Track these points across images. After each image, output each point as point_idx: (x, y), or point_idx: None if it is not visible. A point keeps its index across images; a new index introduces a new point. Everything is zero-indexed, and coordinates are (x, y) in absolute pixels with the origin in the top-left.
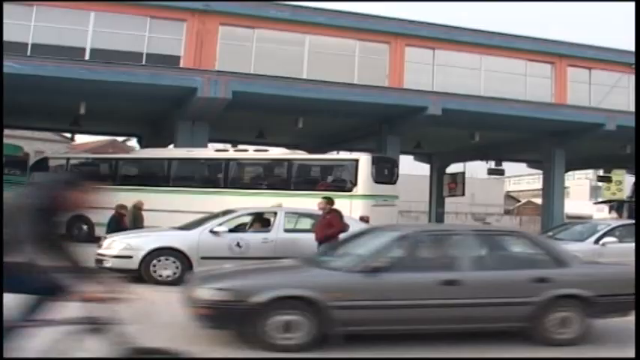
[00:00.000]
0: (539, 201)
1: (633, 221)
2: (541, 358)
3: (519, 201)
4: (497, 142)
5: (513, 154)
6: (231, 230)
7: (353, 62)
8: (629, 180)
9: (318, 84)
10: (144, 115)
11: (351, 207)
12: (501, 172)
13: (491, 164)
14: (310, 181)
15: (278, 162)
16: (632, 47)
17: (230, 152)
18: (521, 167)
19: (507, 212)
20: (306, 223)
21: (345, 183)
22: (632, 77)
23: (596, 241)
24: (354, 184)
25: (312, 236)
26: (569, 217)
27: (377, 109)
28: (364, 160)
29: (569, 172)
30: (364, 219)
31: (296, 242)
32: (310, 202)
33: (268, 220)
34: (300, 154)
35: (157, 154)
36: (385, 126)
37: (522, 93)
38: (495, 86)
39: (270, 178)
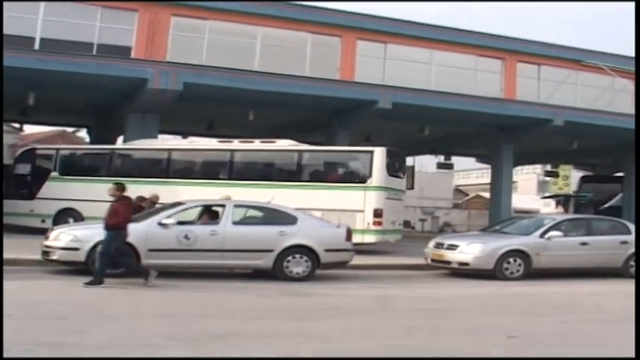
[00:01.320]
0: (487, 195)
1: (579, 216)
2: (541, 357)
3: (468, 195)
4: (447, 137)
5: (462, 148)
6: (179, 223)
7: (304, 55)
8: (576, 175)
9: (270, 76)
10: (94, 106)
11: (365, 198)
12: (450, 166)
13: (441, 158)
14: (323, 173)
15: (288, 153)
16: (579, 44)
17: (235, 143)
18: (470, 161)
19: (456, 206)
20: (256, 216)
21: (359, 174)
22: (580, 73)
23: (542, 235)
24: (369, 175)
25: (262, 229)
26: (517, 211)
27: (327, 102)
28: (379, 152)
29: (518, 167)
30: (378, 212)
31: (244, 234)
32: (323, 194)
33: (217, 213)
34: (312, 146)
35: (153, 146)
36: (335, 119)
37: (472, 88)
38: (446, 81)
39: (278, 170)
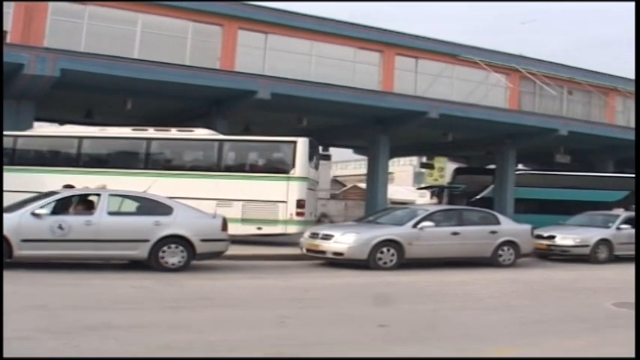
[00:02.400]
0: (364, 185)
1: (451, 206)
2: (540, 358)
3: (345, 185)
4: (325, 128)
5: (340, 139)
6: (53, 212)
7: (185, 44)
8: (451, 167)
9: (149, 64)
10: None
11: (288, 189)
12: (328, 158)
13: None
14: (245, 163)
15: (207, 142)
16: (458, 39)
17: (150, 131)
18: (348, 153)
19: (333, 196)
20: (132, 206)
21: (281, 165)
22: (456, 67)
23: (415, 225)
24: (292, 166)
25: (137, 219)
26: (393, 202)
27: (207, 92)
28: (302, 142)
29: (394, 159)
30: (301, 202)
31: (119, 224)
32: (245, 184)
33: (93, 202)
34: (233, 136)
35: (60, 133)
36: (215, 108)
37: (351, 80)
38: (325, 72)
39: (197, 159)
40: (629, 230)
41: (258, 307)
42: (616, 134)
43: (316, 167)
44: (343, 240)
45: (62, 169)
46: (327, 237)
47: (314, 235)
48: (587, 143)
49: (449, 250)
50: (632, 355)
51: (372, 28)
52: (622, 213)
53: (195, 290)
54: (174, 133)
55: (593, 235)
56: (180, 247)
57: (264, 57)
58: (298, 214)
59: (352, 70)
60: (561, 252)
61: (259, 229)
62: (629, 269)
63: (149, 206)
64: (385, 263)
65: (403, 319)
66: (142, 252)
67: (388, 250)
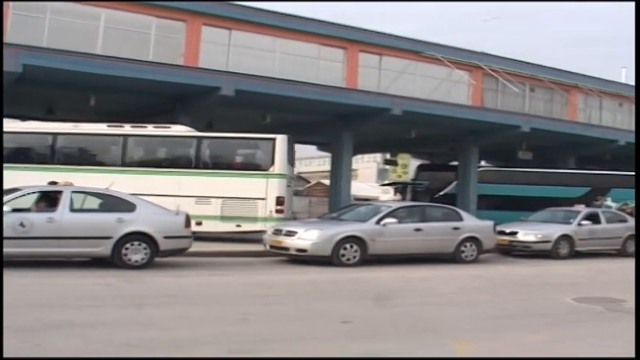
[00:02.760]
0: (328, 182)
1: (414, 203)
2: (540, 358)
3: (309, 182)
4: (289, 124)
5: (304, 136)
6: (15, 210)
7: (149, 39)
8: (414, 163)
9: (112, 60)
10: None
11: (267, 186)
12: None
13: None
14: (224, 160)
15: (186, 139)
16: (420, 36)
17: (127, 128)
18: (311, 149)
19: (297, 193)
20: (94, 203)
21: (261, 162)
22: (420, 64)
23: (378, 222)
24: (272, 163)
25: (100, 216)
26: (357, 198)
27: (170, 88)
28: (281, 139)
29: (358, 155)
30: (280, 199)
31: (82, 221)
32: (224, 182)
33: (56, 199)
34: (212, 133)
35: (31, 129)
36: (178, 105)
37: (315, 76)
38: (289, 69)
39: (176, 157)
40: (589, 226)
41: (221, 304)
42: (577, 131)
43: (292, 164)
44: (306, 236)
45: (36, 167)
46: (290, 233)
47: (277, 232)
48: (549, 140)
49: (412, 247)
50: (632, 355)
51: (336, 24)
52: (583, 209)
53: (158, 287)
54: (151, 129)
55: (555, 231)
56: (144, 244)
57: (228, 53)
58: (278, 211)
59: (316, 67)
60: (523, 248)
61: (238, 226)
62: (590, 264)
63: (112, 203)
64: (348, 260)
65: (366, 315)
66: (104, 249)
67: (351, 247)
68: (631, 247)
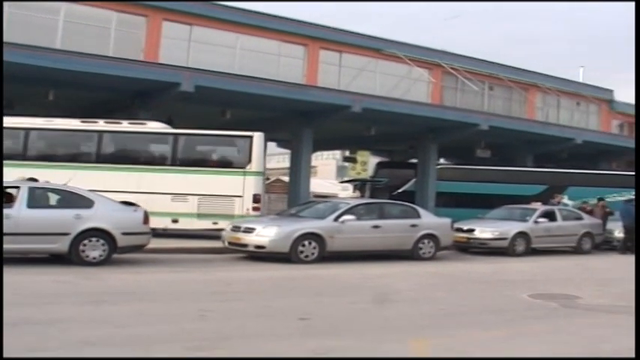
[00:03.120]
0: (287, 179)
1: (372, 200)
2: (540, 358)
3: (269, 179)
4: (249, 121)
5: (264, 132)
6: None
7: (109, 34)
8: (373, 161)
9: (72, 55)
10: None
11: (244, 184)
12: None
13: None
14: (201, 157)
15: (162, 136)
16: (380, 34)
17: (101, 124)
18: (271, 146)
19: None
20: (52, 199)
21: (237, 160)
22: (380, 62)
23: (336, 219)
24: (249, 160)
25: (57, 212)
26: (316, 195)
27: (130, 84)
28: (258, 137)
29: (317, 152)
30: (257, 197)
31: (39, 217)
32: (201, 179)
33: (12, 195)
34: (188, 130)
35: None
36: (138, 100)
37: (275, 73)
38: (250, 65)
39: (151, 153)
40: (546, 224)
41: (179, 301)
42: (535, 129)
43: (266, 162)
44: (265, 233)
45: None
46: (249, 230)
47: (236, 229)
48: (507, 138)
49: (370, 244)
50: (633, 355)
51: (297, 21)
52: (539, 207)
53: (116, 284)
54: (126, 125)
55: (511, 228)
56: (102, 241)
57: (189, 49)
58: (255, 208)
59: (277, 64)
60: (480, 245)
61: (215, 223)
62: (546, 262)
63: (70, 199)
64: (307, 256)
65: (323, 312)
66: (62, 245)
67: (310, 244)
68: (586, 245)
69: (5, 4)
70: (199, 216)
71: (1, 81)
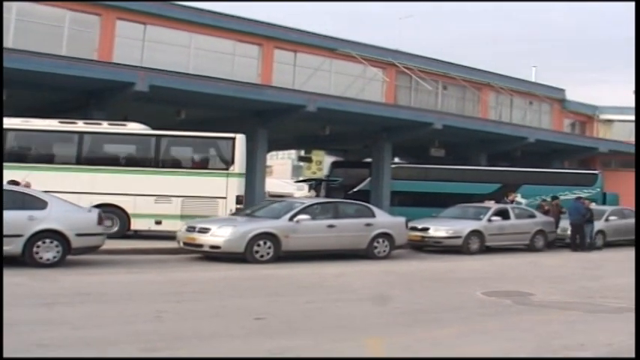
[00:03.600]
0: None
1: (327, 199)
2: (540, 358)
3: None
4: (204, 120)
5: (219, 132)
6: None
7: (62, 33)
8: (328, 160)
9: (24, 54)
10: None
11: (227, 185)
12: None
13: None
14: (184, 159)
15: (144, 137)
16: (335, 34)
17: (80, 125)
18: None
19: None
20: (5, 200)
21: (220, 161)
22: (335, 61)
23: (291, 218)
24: (232, 162)
25: (10, 213)
26: (272, 195)
27: (84, 83)
28: (240, 138)
29: (273, 152)
30: (240, 198)
31: None
32: (184, 180)
33: None
34: (170, 131)
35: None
36: (92, 100)
37: (230, 73)
38: (204, 65)
39: (133, 155)
40: (499, 222)
41: (134, 302)
42: (489, 129)
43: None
44: (220, 233)
45: None
46: (203, 230)
47: (191, 229)
48: (461, 137)
49: (325, 243)
50: (633, 355)
51: (252, 21)
52: (493, 205)
53: (70, 286)
54: (106, 126)
55: (465, 226)
56: (55, 242)
57: (143, 48)
58: (238, 209)
59: (231, 63)
60: (435, 243)
61: None
62: (499, 260)
63: (23, 200)
64: (262, 256)
65: (279, 312)
66: (15, 247)
67: (265, 243)
68: (539, 242)
69: None
70: (183, 217)
71: (1, 82)
